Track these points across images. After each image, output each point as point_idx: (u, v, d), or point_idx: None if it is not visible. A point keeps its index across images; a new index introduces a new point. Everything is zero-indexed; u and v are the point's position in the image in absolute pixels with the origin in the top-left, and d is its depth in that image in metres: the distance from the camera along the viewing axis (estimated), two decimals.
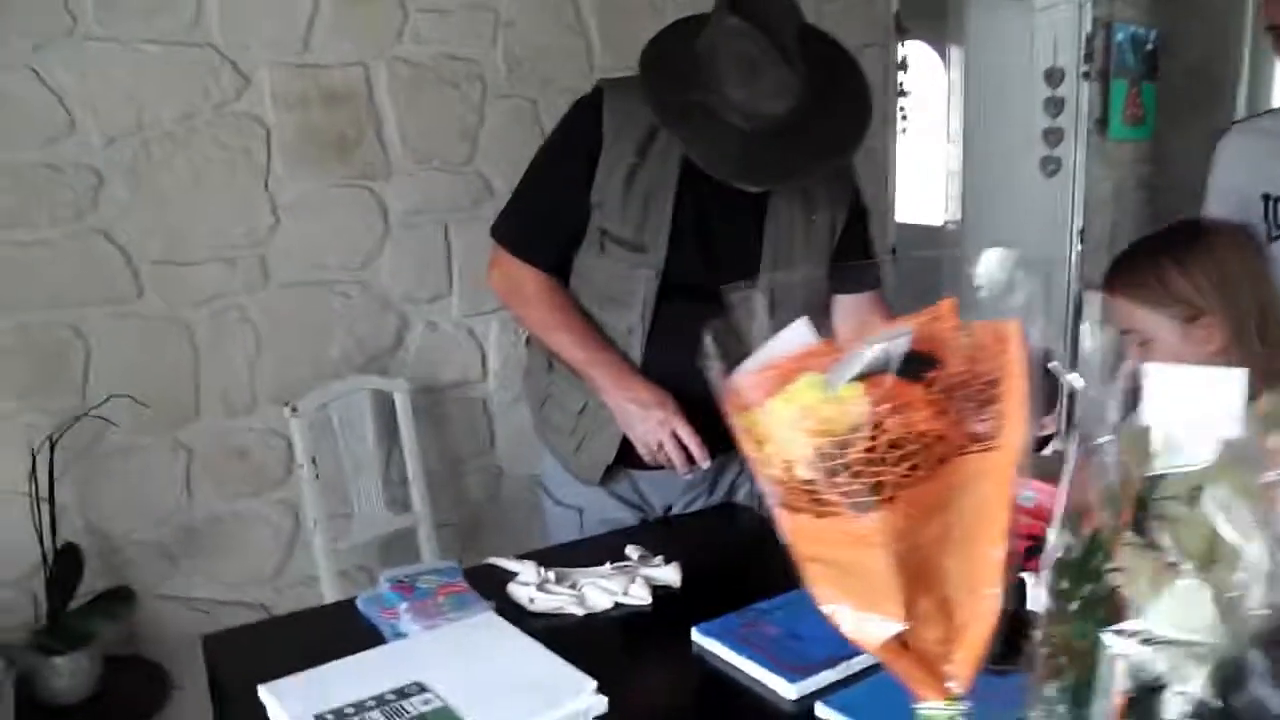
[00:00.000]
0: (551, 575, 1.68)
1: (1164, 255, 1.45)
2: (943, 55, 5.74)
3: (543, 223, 1.85)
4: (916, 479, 0.88)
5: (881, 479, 0.86)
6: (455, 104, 2.90)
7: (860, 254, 1.95)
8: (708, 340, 0.96)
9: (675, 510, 2.03)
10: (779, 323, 1.83)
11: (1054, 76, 4.68)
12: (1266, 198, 2.30)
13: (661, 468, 1.85)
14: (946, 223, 5.82)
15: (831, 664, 1.43)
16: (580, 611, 1.61)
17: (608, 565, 1.72)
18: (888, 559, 0.89)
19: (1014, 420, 0.88)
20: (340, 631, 1.52)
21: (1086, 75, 4.65)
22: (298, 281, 2.69)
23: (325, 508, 2.57)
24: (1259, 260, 1.45)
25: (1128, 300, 1.47)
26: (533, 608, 1.60)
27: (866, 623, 0.94)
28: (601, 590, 1.65)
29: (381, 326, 2.85)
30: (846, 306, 1.94)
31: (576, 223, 1.81)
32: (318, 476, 2.54)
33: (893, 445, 0.85)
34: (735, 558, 1.90)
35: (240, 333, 2.62)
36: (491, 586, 1.62)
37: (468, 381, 3.04)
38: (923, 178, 6.13)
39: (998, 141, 4.92)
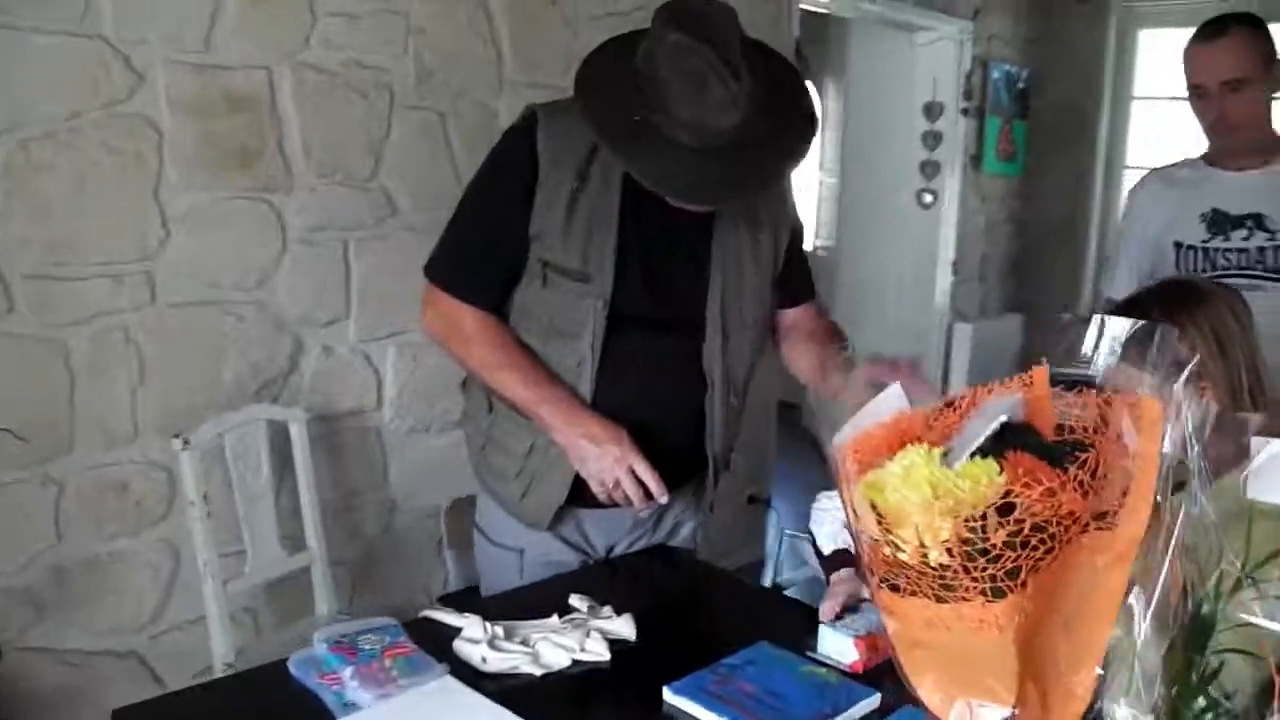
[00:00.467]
0: (499, 630, 1.59)
1: (1159, 318, 1.48)
2: (819, 87, 5.86)
3: (480, 259, 1.78)
4: (1048, 560, 0.85)
5: (1020, 563, 0.82)
6: (361, 114, 2.76)
7: (801, 267, 1.96)
8: (810, 398, 0.91)
9: (618, 550, 1.98)
10: (734, 349, 1.80)
11: (933, 111, 4.84)
12: (1178, 245, 2.42)
13: (616, 505, 1.79)
14: (817, 248, 5.95)
15: None
16: (537, 671, 1.54)
17: (555, 618, 1.66)
18: (1011, 644, 0.86)
19: (1142, 498, 0.86)
20: (276, 701, 1.40)
21: (965, 111, 4.83)
22: (188, 301, 2.50)
23: (216, 547, 2.37)
24: (1247, 320, 1.49)
25: (1125, 364, 1.48)
26: (485, 668, 1.52)
27: (976, 710, 0.90)
28: (557, 647, 1.58)
29: (276, 350, 2.67)
30: (790, 319, 1.98)
31: (515, 257, 1.75)
32: (210, 514, 2.35)
33: (1035, 528, 0.82)
34: (684, 606, 1.88)
35: (123, 355, 2.41)
36: (434, 643, 1.53)
37: (363, 410, 2.89)
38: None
39: (875, 172, 5.06)
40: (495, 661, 1.53)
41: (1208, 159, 2.46)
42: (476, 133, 2.98)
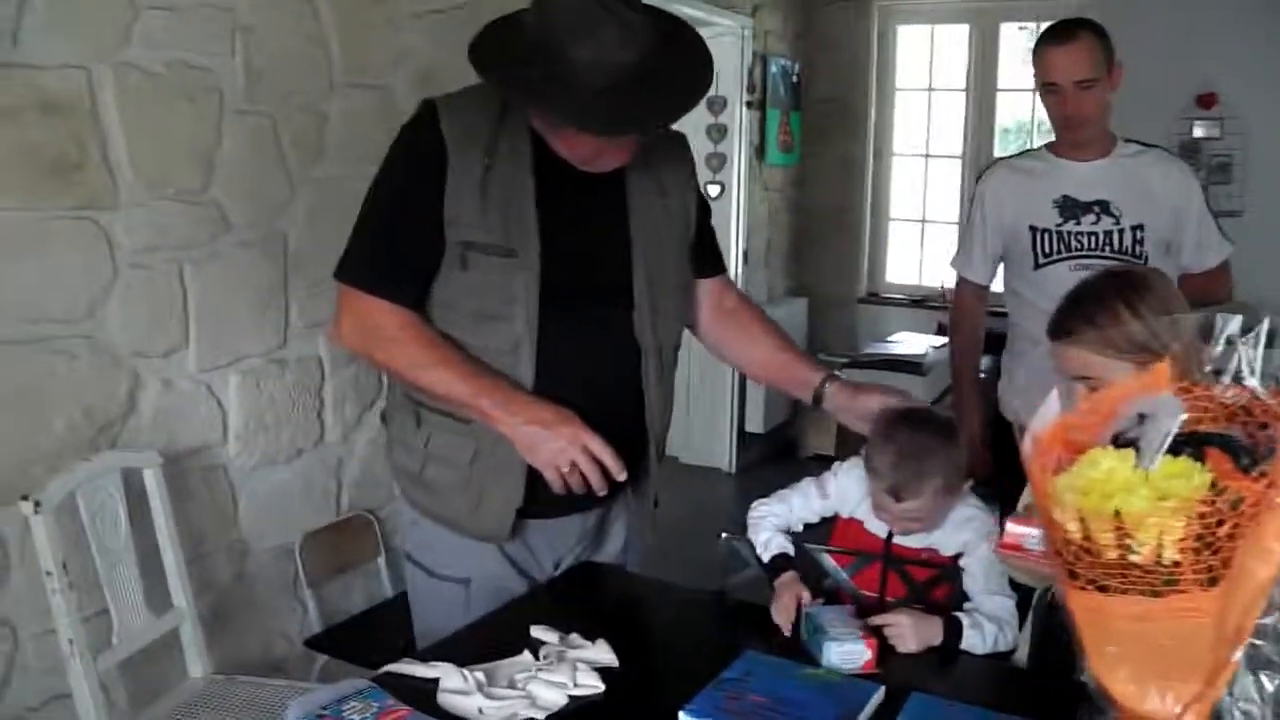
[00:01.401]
0: (481, 676, 1.54)
1: (1115, 302, 1.62)
2: None
3: (397, 254, 1.74)
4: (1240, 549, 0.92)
5: (1233, 551, 0.90)
6: (190, 120, 2.54)
7: (710, 239, 2.00)
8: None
9: (565, 563, 1.96)
10: (662, 317, 1.82)
11: (716, 104, 5.01)
12: (1033, 229, 2.65)
13: (571, 495, 1.76)
14: None
15: None
16: (538, 715, 1.50)
17: (528, 655, 1.63)
18: (1212, 627, 0.93)
19: None
20: None
21: (749, 104, 5.03)
22: (8, 339, 2.21)
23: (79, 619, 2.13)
24: (1183, 301, 1.66)
25: (1087, 350, 1.61)
26: (484, 719, 1.47)
27: (1156, 691, 0.97)
28: (550, 685, 1.56)
29: (112, 389, 2.42)
30: (704, 290, 2.01)
31: (432, 247, 1.71)
32: (71, 585, 2.10)
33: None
34: (647, 623, 1.88)
35: None
36: (413, 701, 1.47)
37: (207, 446, 2.67)
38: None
39: None
40: (492, 711, 1.48)
41: (1054, 150, 2.70)
42: (308, 139, 2.81)
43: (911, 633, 1.71)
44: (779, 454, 5.37)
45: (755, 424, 5.36)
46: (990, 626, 1.77)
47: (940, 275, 5.59)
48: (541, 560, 1.92)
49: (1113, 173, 2.62)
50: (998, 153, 5.39)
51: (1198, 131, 4.46)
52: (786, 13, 5.36)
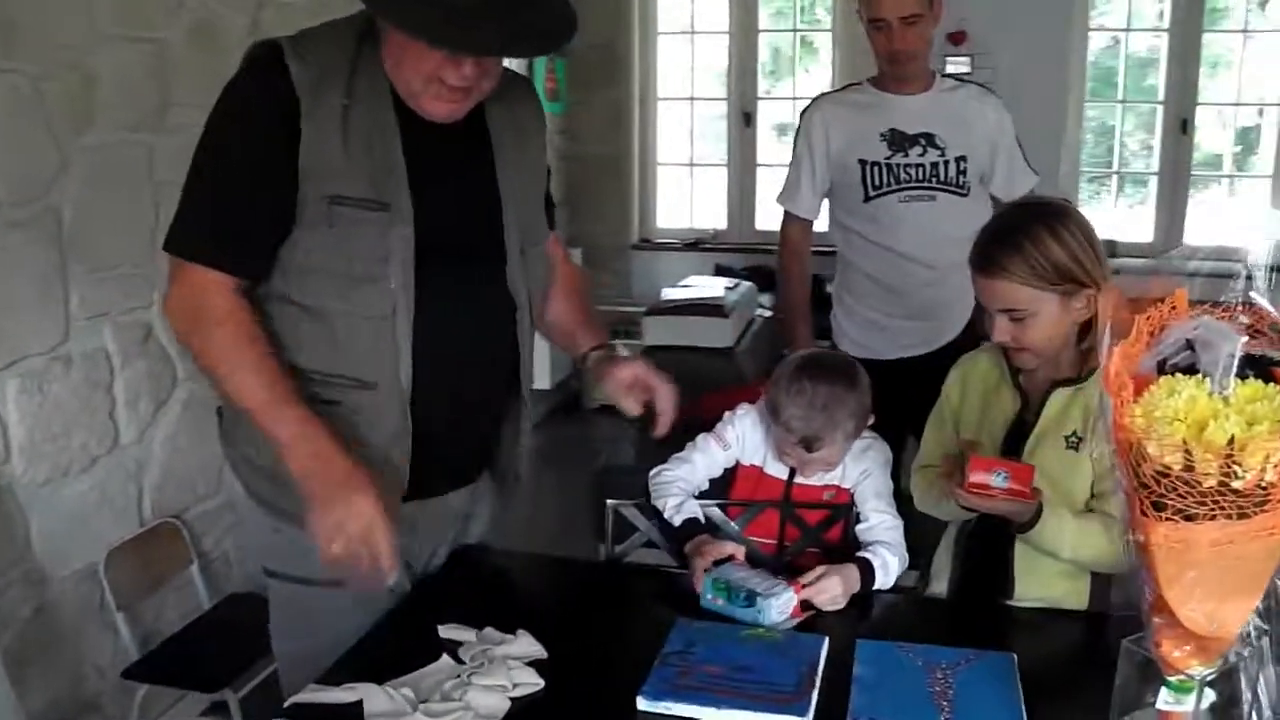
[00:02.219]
0: (408, 693, 1.48)
1: (1039, 232, 1.67)
2: None
3: (240, 215, 1.57)
4: None
5: None
6: None
7: (549, 196, 1.93)
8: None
9: (441, 553, 1.86)
10: (531, 270, 1.78)
11: None
12: (863, 162, 2.73)
13: (453, 477, 1.75)
14: None
15: (810, 683, 1.50)
16: None
17: (447, 659, 1.56)
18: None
19: None
20: None
21: None
22: None
23: None
24: (1092, 228, 1.74)
25: (1013, 281, 1.67)
26: None
27: (1227, 611, 1.01)
28: (488, 690, 1.50)
29: None
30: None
31: (286, 207, 1.57)
32: None
33: None
34: (555, 605, 1.84)
35: None
36: None
37: None
38: None
39: None
40: None
41: (878, 84, 2.78)
42: (76, 101, 2.48)
43: (842, 592, 1.74)
44: (566, 408, 5.35)
45: (542, 380, 5.30)
46: (892, 560, 1.84)
47: (712, 218, 5.70)
48: (421, 548, 1.81)
49: (936, 106, 2.74)
50: (762, 92, 5.53)
51: (949, 67, 4.72)
52: None
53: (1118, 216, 5.37)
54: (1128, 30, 5.24)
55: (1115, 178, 5.43)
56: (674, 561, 1.92)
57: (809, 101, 2.98)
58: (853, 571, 1.77)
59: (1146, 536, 0.98)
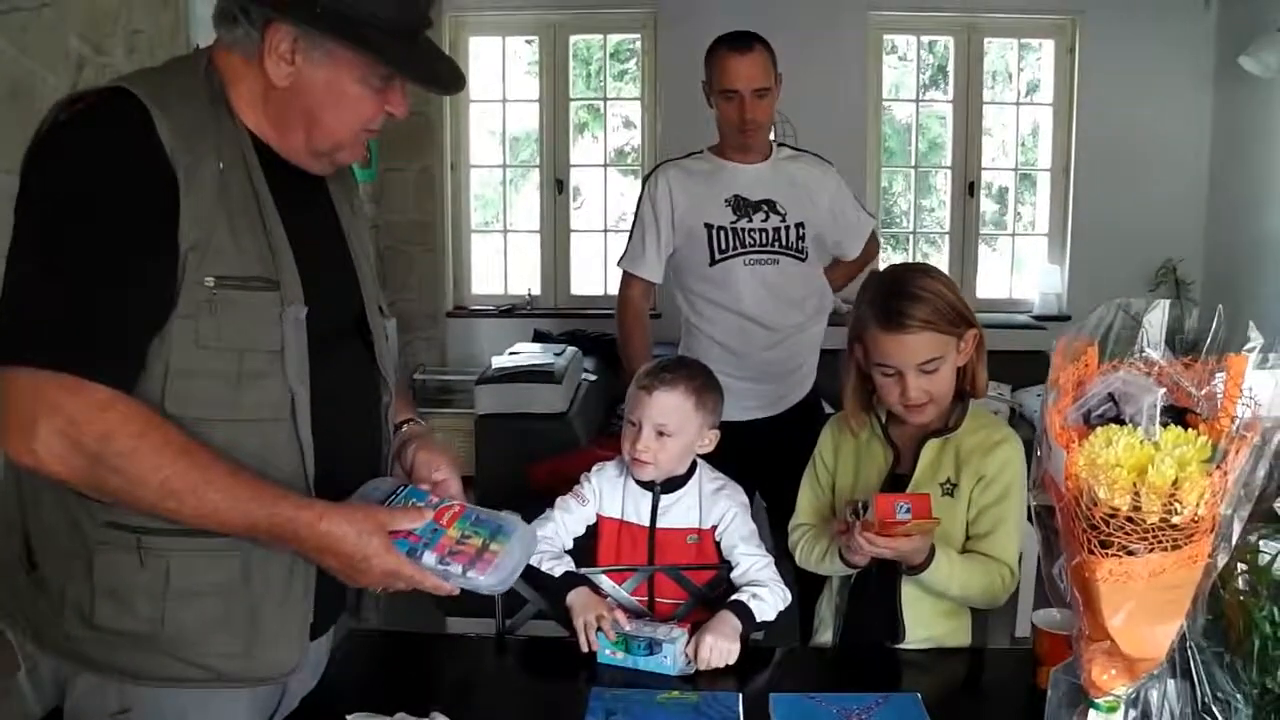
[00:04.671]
0: None
1: (928, 283, 1.82)
2: None
3: (117, 311, 1.29)
4: None
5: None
6: None
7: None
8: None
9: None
10: (388, 343, 1.73)
11: None
12: (709, 226, 2.86)
13: None
14: None
15: None
16: None
17: None
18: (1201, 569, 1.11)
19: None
20: None
21: None
22: None
23: None
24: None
25: (927, 330, 1.80)
26: None
27: (1158, 634, 1.15)
28: None
29: None
30: None
31: (165, 296, 1.32)
32: None
33: None
34: (454, 683, 1.81)
35: None
36: None
37: None
38: None
39: None
40: None
41: (718, 153, 2.93)
42: None
43: (725, 647, 1.79)
44: None
45: None
46: (764, 592, 1.91)
47: (526, 283, 5.76)
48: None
49: (775, 175, 2.90)
50: (573, 159, 5.66)
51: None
52: None
53: None
54: (917, 101, 5.68)
55: (910, 236, 5.85)
56: (564, 630, 1.93)
57: (652, 169, 3.10)
58: (727, 620, 1.83)
59: (1092, 573, 1.09)
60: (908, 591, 1.87)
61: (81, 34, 2.96)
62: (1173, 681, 1.22)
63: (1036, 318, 5.41)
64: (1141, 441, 1.08)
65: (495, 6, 5.41)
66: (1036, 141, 5.67)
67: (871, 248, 3.16)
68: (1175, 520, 1.04)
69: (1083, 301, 5.21)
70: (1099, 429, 1.10)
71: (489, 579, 1.42)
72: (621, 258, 3.04)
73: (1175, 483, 1.02)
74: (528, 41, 5.61)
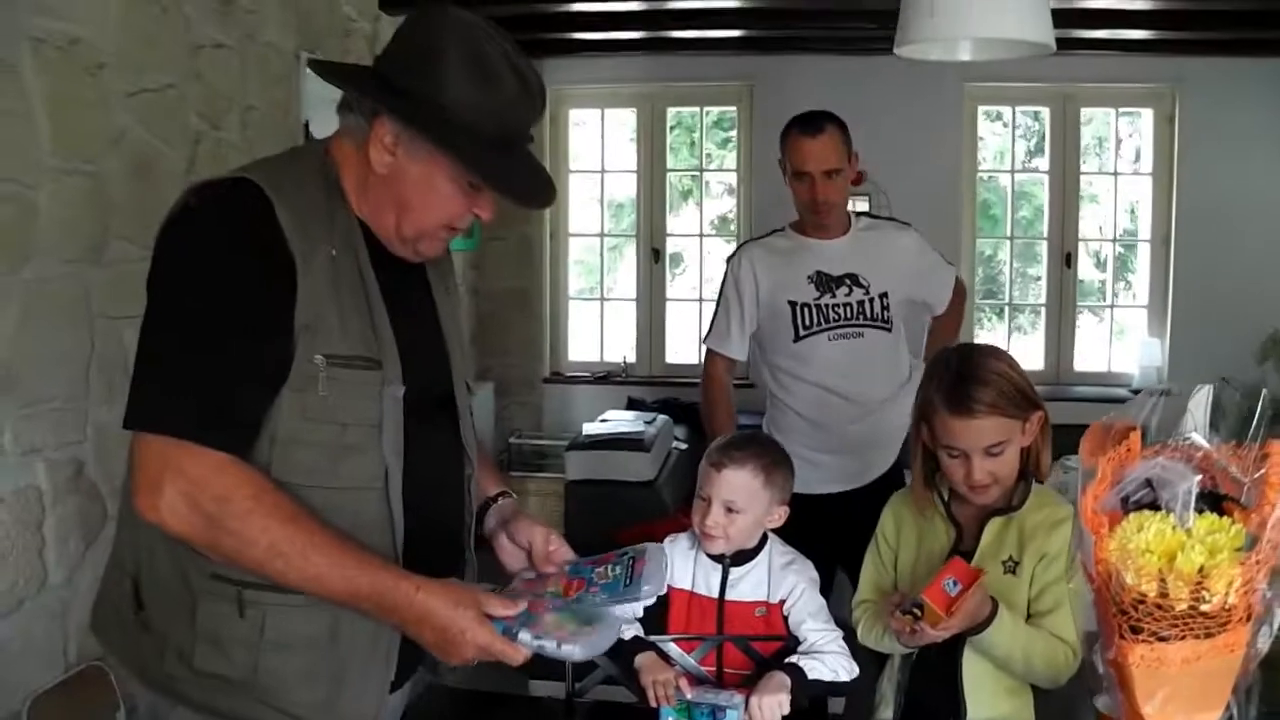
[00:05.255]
0: None
1: (995, 366, 1.85)
2: None
3: (236, 384, 1.40)
4: None
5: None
6: None
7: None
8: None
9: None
10: (471, 418, 1.78)
11: None
12: (792, 304, 2.91)
13: None
14: None
15: None
16: None
17: None
18: (1240, 657, 1.11)
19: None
20: None
21: None
22: None
23: None
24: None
25: (994, 415, 1.82)
26: None
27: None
28: None
29: None
30: None
31: (280, 372, 1.42)
32: None
33: None
34: None
35: None
36: None
37: None
38: None
39: None
40: None
41: (799, 229, 2.99)
42: (14, 232, 2.51)
43: (771, 701, 1.81)
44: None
45: None
46: (823, 656, 1.93)
47: (621, 350, 5.85)
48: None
49: (856, 247, 2.95)
50: (674, 228, 5.77)
51: (852, 205, 5.05)
52: None
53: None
54: (1012, 171, 5.65)
55: (1006, 308, 5.79)
56: (633, 696, 1.96)
57: (735, 249, 3.17)
58: (776, 679, 1.85)
59: (1125, 657, 1.10)
60: (970, 669, 1.86)
61: (200, 112, 3.17)
62: None
63: (1135, 391, 5.29)
64: (1174, 528, 1.09)
65: (593, 79, 5.56)
66: (1137, 211, 5.59)
67: (958, 299, 3.17)
68: (1204, 608, 1.04)
69: (1185, 374, 5.08)
70: (1132, 514, 1.11)
71: (578, 650, 1.47)
72: (707, 336, 3.11)
73: (1201, 570, 1.03)
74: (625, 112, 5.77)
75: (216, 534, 1.37)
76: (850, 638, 2.01)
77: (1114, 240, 5.64)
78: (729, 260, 3.09)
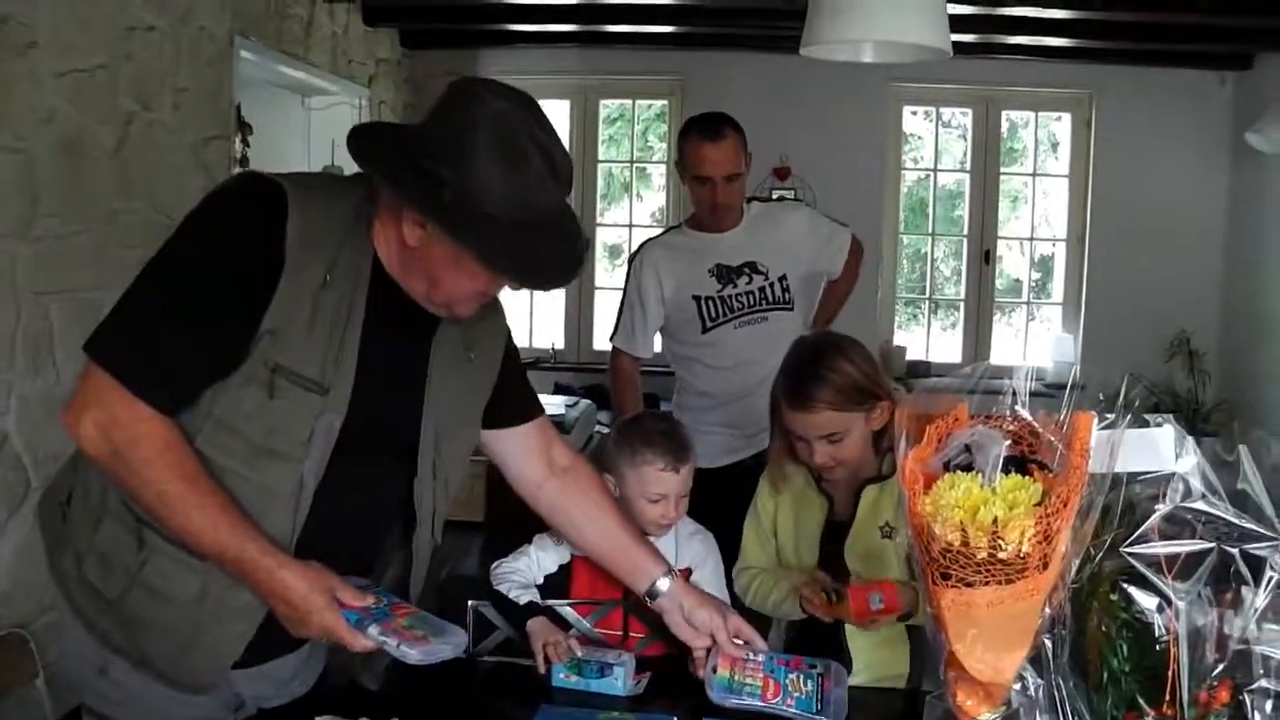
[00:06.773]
0: None
1: (836, 363, 1.98)
2: None
3: (187, 354, 1.48)
4: None
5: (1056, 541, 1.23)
6: None
7: (520, 383, 1.93)
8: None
9: (273, 702, 1.80)
10: (441, 484, 1.85)
11: (334, 171, 5.04)
12: (696, 299, 3.04)
13: (286, 645, 1.68)
14: None
15: None
16: None
17: None
18: (1040, 602, 1.26)
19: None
20: None
21: None
22: None
23: None
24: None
25: (828, 409, 1.97)
26: None
27: (1004, 660, 1.29)
28: None
29: None
30: (520, 440, 1.94)
31: (232, 359, 1.50)
32: None
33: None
34: (412, 697, 1.85)
35: None
36: None
37: None
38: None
39: None
40: None
41: (694, 225, 3.11)
42: None
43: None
44: None
45: None
46: None
47: (550, 337, 5.96)
48: (246, 699, 1.76)
49: (751, 235, 3.07)
50: (611, 219, 5.88)
51: (775, 195, 5.25)
52: (396, 85, 5.55)
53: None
54: (935, 170, 5.85)
55: (928, 303, 5.98)
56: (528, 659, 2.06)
57: (636, 247, 3.28)
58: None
59: (938, 602, 1.25)
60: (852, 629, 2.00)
61: (131, 93, 3.23)
62: (1045, 716, 1.36)
63: (1049, 385, 5.52)
64: (981, 486, 1.24)
65: (527, 70, 5.59)
66: (1051, 212, 5.81)
67: (853, 259, 3.28)
68: (1002, 555, 1.19)
69: (1096, 370, 5.30)
70: (946, 475, 1.26)
71: (415, 653, 1.53)
72: (613, 334, 3.22)
73: (996, 521, 1.17)
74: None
75: (116, 467, 1.48)
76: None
77: (1030, 239, 5.86)
78: (630, 261, 3.21)
